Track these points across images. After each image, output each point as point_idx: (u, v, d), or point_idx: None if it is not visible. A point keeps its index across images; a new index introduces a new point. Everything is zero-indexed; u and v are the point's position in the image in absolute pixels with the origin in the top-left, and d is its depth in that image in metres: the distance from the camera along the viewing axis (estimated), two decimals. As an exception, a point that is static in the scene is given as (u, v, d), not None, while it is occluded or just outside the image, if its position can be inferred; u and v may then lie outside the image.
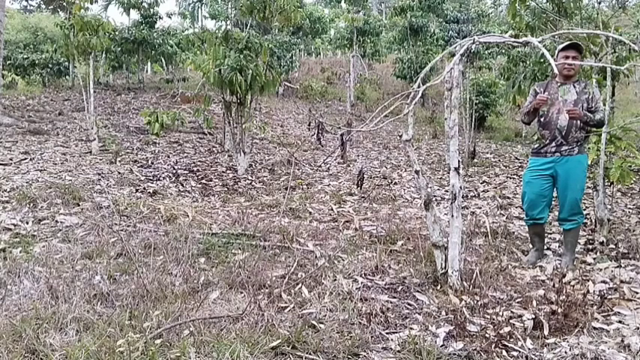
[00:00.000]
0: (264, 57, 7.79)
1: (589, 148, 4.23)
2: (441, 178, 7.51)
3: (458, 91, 3.39)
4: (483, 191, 6.80)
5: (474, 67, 16.49)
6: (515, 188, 6.83)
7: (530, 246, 4.21)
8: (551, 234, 4.74)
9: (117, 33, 14.63)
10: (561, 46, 3.94)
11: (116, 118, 11.41)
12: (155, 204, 5.50)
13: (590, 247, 4.40)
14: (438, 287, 3.34)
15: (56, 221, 4.77)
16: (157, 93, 15.05)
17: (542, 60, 6.55)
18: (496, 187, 6.99)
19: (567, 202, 3.93)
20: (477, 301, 3.11)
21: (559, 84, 3.93)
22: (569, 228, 3.98)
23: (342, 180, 7.53)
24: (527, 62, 8.42)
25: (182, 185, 6.97)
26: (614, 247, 4.27)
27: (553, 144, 3.91)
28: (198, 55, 12.10)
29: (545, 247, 4.40)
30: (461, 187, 3.36)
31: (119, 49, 15.49)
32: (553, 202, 4.16)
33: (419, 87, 3.59)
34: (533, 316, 2.87)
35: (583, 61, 4.02)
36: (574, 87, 3.90)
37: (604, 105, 4.88)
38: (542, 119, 3.96)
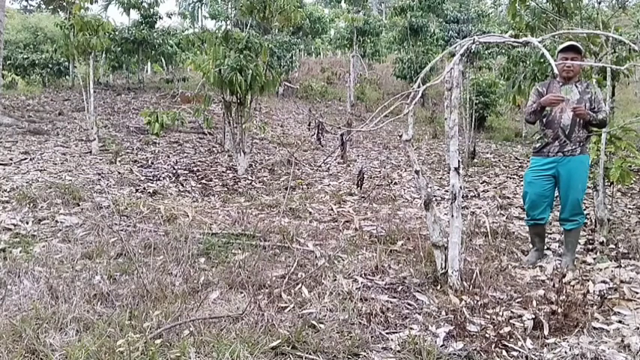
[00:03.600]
0: (264, 57, 7.80)
1: (589, 148, 4.22)
2: (441, 178, 7.51)
3: (458, 91, 3.39)
4: (483, 191, 6.80)
5: (473, 67, 16.48)
6: (515, 188, 6.83)
7: (531, 246, 4.20)
8: (551, 234, 4.74)
9: (117, 33, 14.63)
10: (560, 47, 3.95)
11: (116, 118, 11.41)
12: (155, 204, 5.50)
13: (590, 247, 4.40)
14: (438, 287, 3.34)
15: (56, 221, 4.77)
16: (157, 93, 15.05)
17: (542, 60, 6.55)
18: (496, 187, 6.99)
19: (569, 203, 3.92)
20: (477, 301, 3.11)
21: (561, 84, 3.93)
22: (570, 228, 3.97)
23: (342, 180, 7.53)
24: (527, 62, 8.42)
25: (182, 185, 6.97)
26: (614, 247, 4.27)
27: (556, 143, 3.90)
28: (198, 55, 12.09)
29: (545, 247, 4.40)
30: (461, 187, 3.36)
31: (119, 49, 15.48)
32: (554, 202, 4.15)
33: (419, 87, 3.59)
34: (533, 316, 2.87)
35: (584, 61, 4.01)
36: (576, 87, 3.90)
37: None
38: (544, 118, 3.95)
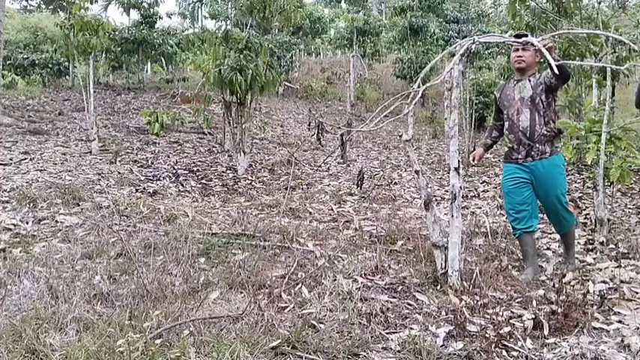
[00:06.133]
0: (264, 57, 7.80)
1: (561, 147, 3.87)
2: (441, 178, 7.51)
3: (458, 91, 3.39)
4: (483, 191, 6.80)
5: (473, 67, 16.48)
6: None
7: (524, 260, 3.81)
8: (550, 233, 4.74)
9: (117, 33, 14.61)
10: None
11: (116, 118, 11.41)
12: (155, 204, 5.50)
13: (590, 247, 4.40)
14: (438, 287, 3.34)
15: (56, 221, 4.77)
16: (157, 93, 15.04)
17: (541, 60, 6.54)
18: (496, 187, 6.99)
19: (552, 211, 3.76)
20: (477, 301, 3.11)
21: (516, 82, 3.72)
22: (562, 232, 3.90)
23: (342, 180, 7.53)
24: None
25: (182, 185, 6.97)
26: (614, 247, 4.26)
27: (522, 148, 3.65)
28: (198, 55, 12.09)
29: (545, 247, 4.40)
30: (461, 187, 3.36)
31: (119, 49, 15.46)
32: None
33: (419, 87, 3.58)
34: (533, 316, 2.87)
35: (536, 50, 3.55)
36: (529, 81, 3.62)
37: (604, 105, 4.86)
38: (506, 124, 3.75)
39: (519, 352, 2.57)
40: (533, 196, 3.73)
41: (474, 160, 4.07)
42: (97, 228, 4.52)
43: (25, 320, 2.70)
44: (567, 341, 2.67)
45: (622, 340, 2.66)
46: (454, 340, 2.69)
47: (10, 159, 7.24)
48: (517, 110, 3.65)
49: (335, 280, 3.40)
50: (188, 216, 5.07)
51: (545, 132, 3.61)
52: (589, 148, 4.71)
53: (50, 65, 15.02)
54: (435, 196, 6.19)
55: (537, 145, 3.62)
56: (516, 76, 3.76)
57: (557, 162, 3.67)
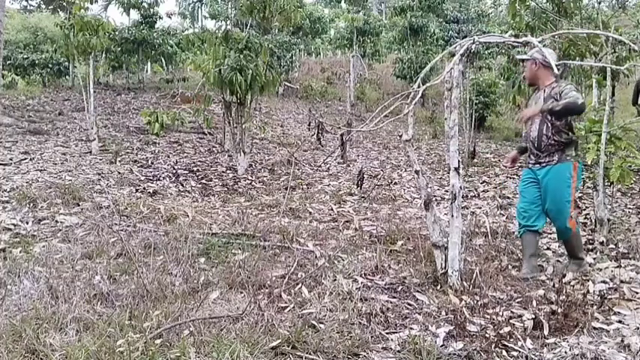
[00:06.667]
0: (264, 57, 7.79)
1: (571, 155, 3.82)
2: (441, 178, 7.51)
3: (458, 91, 3.39)
4: (483, 191, 6.80)
5: (473, 67, 16.48)
6: (515, 188, 6.82)
7: (523, 258, 3.83)
8: (550, 233, 4.74)
9: (117, 33, 14.61)
10: None
11: (116, 118, 11.41)
12: (155, 204, 5.50)
13: (590, 247, 4.40)
14: (438, 287, 3.34)
15: (56, 221, 4.77)
16: (157, 93, 15.04)
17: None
18: (496, 187, 6.99)
19: (552, 215, 3.75)
20: (477, 301, 3.11)
21: (536, 91, 3.82)
22: (562, 239, 3.91)
23: (342, 180, 7.53)
24: (527, 62, 8.39)
25: (182, 185, 6.97)
26: (614, 247, 4.27)
27: (532, 156, 3.81)
28: (198, 55, 12.10)
29: (545, 247, 4.40)
30: (461, 187, 3.36)
31: (119, 49, 15.45)
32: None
33: (419, 87, 3.59)
34: (533, 316, 2.87)
35: (534, 63, 3.68)
36: (543, 92, 3.68)
37: (604, 105, 4.85)
38: (523, 132, 3.90)
39: (519, 352, 2.57)
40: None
41: (507, 163, 4.13)
42: (97, 228, 4.53)
43: (25, 320, 2.70)
44: (567, 341, 2.68)
45: (622, 340, 2.66)
46: (454, 340, 2.69)
47: (10, 159, 7.24)
48: (531, 120, 3.73)
49: (335, 280, 3.40)
50: (188, 216, 5.07)
51: (553, 142, 3.65)
52: (589, 148, 4.71)
53: (50, 65, 15.02)
54: (435, 196, 6.19)
55: (544, 154, 3.69)
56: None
57: (562, 170, 3.67)
